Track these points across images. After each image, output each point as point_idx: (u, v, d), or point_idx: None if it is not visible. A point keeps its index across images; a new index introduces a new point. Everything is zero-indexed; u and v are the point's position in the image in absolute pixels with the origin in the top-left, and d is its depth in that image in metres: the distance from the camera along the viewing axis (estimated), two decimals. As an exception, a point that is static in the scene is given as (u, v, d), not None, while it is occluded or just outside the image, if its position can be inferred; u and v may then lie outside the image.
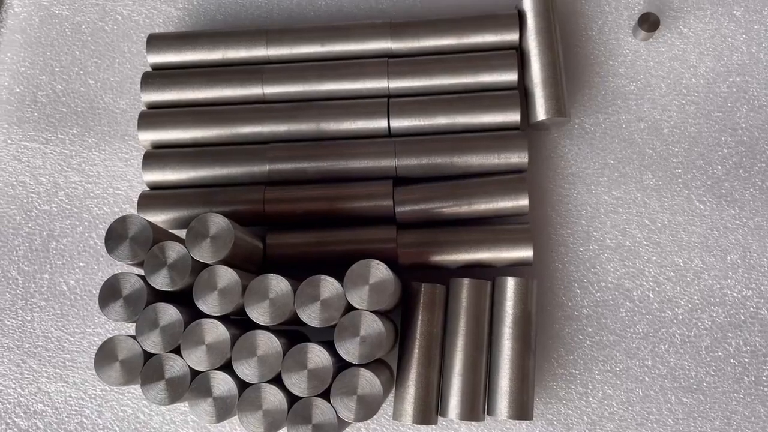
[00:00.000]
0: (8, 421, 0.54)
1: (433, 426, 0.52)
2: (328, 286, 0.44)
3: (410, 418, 0.49)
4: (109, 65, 0.60)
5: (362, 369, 0.43)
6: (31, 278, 0.57)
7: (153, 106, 0.57)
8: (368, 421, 0.53)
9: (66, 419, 0.54)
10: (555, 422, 0.52)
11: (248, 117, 0.55)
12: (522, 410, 0.49)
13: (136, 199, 0.57)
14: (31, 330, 0.56)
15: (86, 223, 0.57)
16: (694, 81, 0.56)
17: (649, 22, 0.55)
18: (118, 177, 0.58)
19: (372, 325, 0.43)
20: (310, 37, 0.56)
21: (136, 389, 0.54)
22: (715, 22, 0.57)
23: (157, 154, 0.55)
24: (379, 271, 0.44)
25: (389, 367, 0.51)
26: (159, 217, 0.54)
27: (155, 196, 0.54)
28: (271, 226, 0.54)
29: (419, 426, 0.52)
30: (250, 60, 0.57)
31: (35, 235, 0.57)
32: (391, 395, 0.52)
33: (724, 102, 0.55)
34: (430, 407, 0.49)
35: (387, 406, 0.53)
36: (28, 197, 0.58)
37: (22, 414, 0.54)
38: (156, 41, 0.57)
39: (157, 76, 0.56)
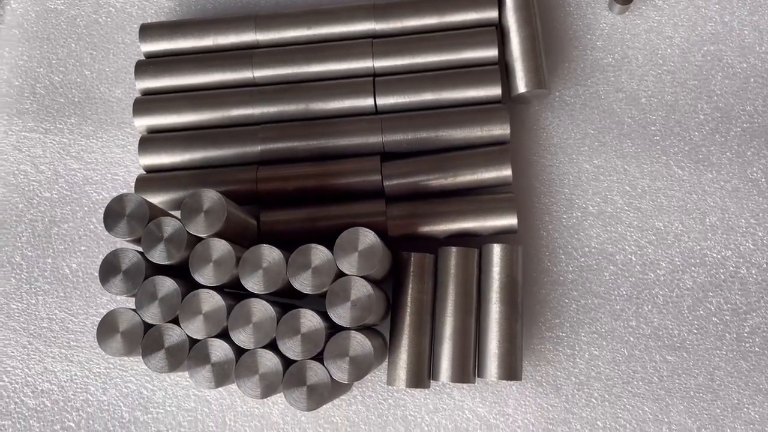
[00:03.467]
0: (17, 400, 0.56)
1: (426, 390, 0.54)
2: (319, 254, 0.46)
3: (403, 382, 0.51)
4: (104, 56, 0.62)
5: (353, 332, 0.45)
6: (35, 263, 0.59)
7: (147, 93, 0.59)
8: (365, 389, 0.55)
9: (72, 397, 0.56)
10: (544, 383, 0.53)
11: (239, 100, 0.57)
12: (511, 371, 0.50)
13: (133, 184, 0.59)
14: (36, 312, 0.58)
15: (86, 208, 0.59)
16: (670, 51, 0.58)
17: (623, -4, 0.57)
18: (116, 163, 0.60)
19: (362, 289, 0.45)
20: (297, 21, 0.58)
21: (138, 366, 0.56)
22: (688, -6, 0.58)
23: (153, 139, 0.57)
24: (368, 238, 0.46)
25: (382, 336, 0.53)
26: (155, 199, 0.55)
27: (151, 179, 0.56)
28: (265, 204, 0.56)
29: (413, 390, 0.54)
30: (239, 45, 0.59)
31: (37, 221, 0.59)
32: (386, 363, 0.54)
33: (699, 70, 0.57)
34: (423, 371, 0.51)
35: (381, 374, 0.55)
36: (29, 185, 0.60)
37: (30, 393, 0.56)
38: (148, 30, 0.59)
39: (150, 64, 0.58)
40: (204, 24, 0.59)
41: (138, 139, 0.60)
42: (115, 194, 0.60)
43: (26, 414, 0.56)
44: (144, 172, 0.58)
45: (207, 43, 0.59)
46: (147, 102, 0.58)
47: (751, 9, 0.58)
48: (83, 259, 0.59)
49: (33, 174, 0.60)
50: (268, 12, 0.59)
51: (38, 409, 0.56)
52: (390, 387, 0.54)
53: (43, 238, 0.59)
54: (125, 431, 0.55)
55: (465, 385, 0.54)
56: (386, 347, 0.53)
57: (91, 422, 0.55)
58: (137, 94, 0.61)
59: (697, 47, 0.57)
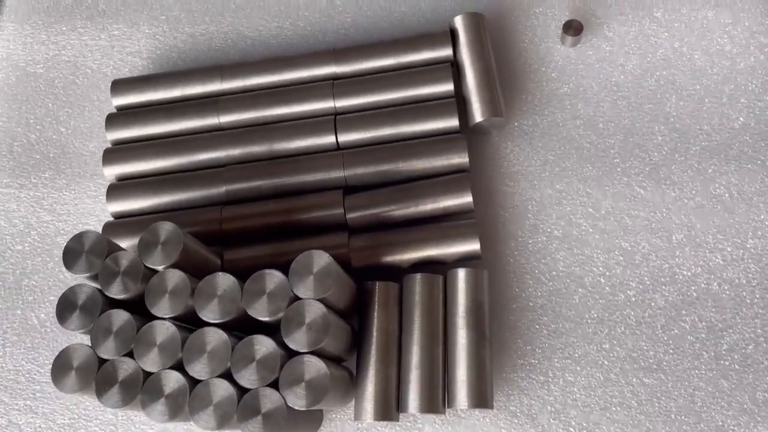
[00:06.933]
0: (-22, 456, 0.54)
1: (397, 425, 0.52)
2: (273, 279, 0.46)
3: (370, 416, 0.49)
4: (79, 113, 0.65)
5: (307, 356, 0.44)
6: (4, 315, 0.59)
7: (118, 143, 0.60)
8: (334, 428, 0.53)
9: (35, 449, 0.54)
10: (518, 413, 0.51)
11: (204, 144, 0.58)
12: (481, 398, 0.48)
13: (102, 231, 0.60)
14: (3, 365, 0.57)
15: (56, 258, 0.60)
16: (623, 78, 0.59)
17: (572, 28, 0.59)
18: (87, 213, 0.61)
19: (316, 311, 0.45)
20: (261, 68, 0.60)
21: (103, 415, 0.55)
22: (637, 24, 0.60)
23: (120, 186, 0.58)
24: (322, 260, 0.46)
25: (350, 372, 0.52)
26: (122, 244, 0.56)
27: (118, 224, 0.57)
28: (230, 243, 0.56)
29: (383, 427, 0.52)
30: (206, 95, 0.61)
31: (8, 274, 0.60)
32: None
33: (653, 94, 0.58)
34: (390, 403, 0.49)
35: (351, 412, 0.53)
36: (2, 239, 0.61)
37: (-8, 448, 0.55)
38: (119, 85, 0.61)
39: (120, 116, 0.60)
40: (172, 76, 0.61)
41: (108, 188, 0.61)
42: (85, 243, 0.60)
43: (-13, 470, 0.54)
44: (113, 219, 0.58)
45: (175, 94, 0.61)
46: (116, 151, 0.59)
47: (700, 34, 0.59)
48: (51, 309, 0.58)
49: (6, 228, 0.61)
50: (233, 62, 0.62)
51: (0, 464, 0.54)
52: (360, 426, 0.51)
53: (13, 290, 0.59)
54: (87, 484, 0.53)
55: (437, 419, 0.52)
56: (353, 383, 0.51)
57: (53, 476, 0.53)
58: (109, 145, 0.62)
59: (650, 73, 0.59)
